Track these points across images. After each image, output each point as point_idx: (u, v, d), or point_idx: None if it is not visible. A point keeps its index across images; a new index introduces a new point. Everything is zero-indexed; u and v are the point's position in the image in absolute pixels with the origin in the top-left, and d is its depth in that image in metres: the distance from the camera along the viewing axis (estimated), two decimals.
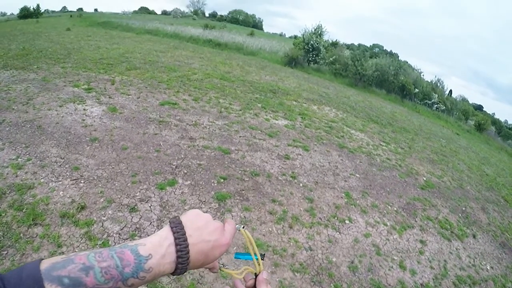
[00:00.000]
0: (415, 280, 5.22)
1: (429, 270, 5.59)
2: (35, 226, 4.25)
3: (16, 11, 49.41)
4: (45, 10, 57.63)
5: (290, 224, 5.41)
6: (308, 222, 5.60)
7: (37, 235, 4.11)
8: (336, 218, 5.99)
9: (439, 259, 5.96)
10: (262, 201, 5.84)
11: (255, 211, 5.51)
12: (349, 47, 52.73)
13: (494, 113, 56.21)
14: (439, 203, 8.20)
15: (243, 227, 0.88)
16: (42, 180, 5.19)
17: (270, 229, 5.17)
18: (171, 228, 0.69)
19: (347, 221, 6.00)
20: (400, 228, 6.40)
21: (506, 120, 55.76)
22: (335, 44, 32.70)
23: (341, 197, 6.78)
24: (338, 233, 5.60)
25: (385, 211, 6.82)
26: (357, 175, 8.06)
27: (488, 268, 6.38)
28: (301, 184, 6.82)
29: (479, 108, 53.96)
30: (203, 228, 0.71)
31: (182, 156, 6.79)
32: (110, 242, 4.16)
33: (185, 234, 0.67)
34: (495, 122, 44.03)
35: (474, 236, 7.27)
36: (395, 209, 7.10)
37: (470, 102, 43.97)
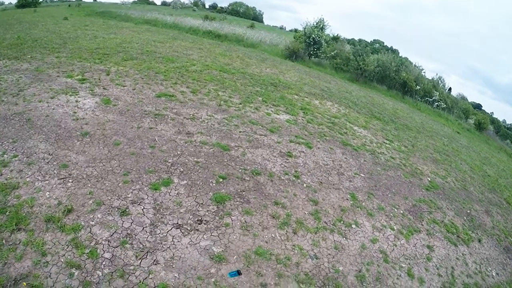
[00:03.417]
0: None
1: (437, 278, 5.32)
2: (18, 231, 3.90)
3: (14, 0, 48.36)
4: None
5: (294, 229, 5.06)
6: (313, 227, 5.26)
7: (20, 242, 3.76)
8: (342, 222, 5.65)
9: (446, 266, 5.70)
10: (264, 203, 5.48)
11: (257, 214, 5.15)
12: (350, 42, 52.04)
13: (492, 112, 55.90)
14: (445, 205, 7.92)
15: None
16: (27, 179, 4.82)
17: (273, 235, 4.82)
18: None
19: (353, 225, 5.67)
20: (407, 232, 6.11)
21: (504, 119, 55.45)
22: (336, 38, 32.10)
23: (347, 199, 6.44)
24: (344, 238, 5.27)
25: (391, 214, 6.50)
26: (362, 175, 7.72)
27: (494, 274, 6.16)
28: (304, 185, 6.47)
29: (478, 107, 53.65)
30: None
31: (179, 152, 6.40)
32: (98, 251, 3.79)
33: None
34: (494, 121, 43.83)
35: (479, 241, 7.04)
36: (402, 212, 6.79)
37: (469, 100, 43.68)
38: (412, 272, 5.15)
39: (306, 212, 5.61)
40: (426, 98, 26.99)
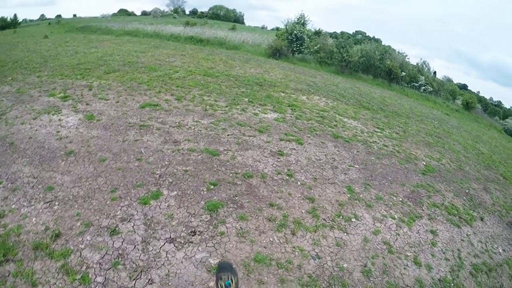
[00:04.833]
0: (432, 276, 4.83)
1: (445, 262, 5.21)
2: (6, 263, 3.70)
3: None
4: (23, 19, 55.62)
5: (293, 230, 4.91)
6: (311, 226, 5.12)
7: (9, 274, 3.57)
8: (341, 217, 5.52)
9: (452, 249, 5.60)
10: (258, 206, 5.31)
11: (252, 219, 4.99)
12: (332, 35, 52.17)
13: (479, 91, 56.60)
14: (443, 188, 7.86)
15: None
16: (13, 206, 4.61)
17: (271, 239, 4.66)
18: None
19: (353, 219, 5.54)
20: (408, 219, 6.00)
21: (491, 97, 56.20)
22: (318, 33, 32.19)
23: (343, 193, 6.31)
24: (345, 234, 5.13)
25: (390, 203, 6.40)
26: (356, 166, 7.62)
27: (501, 251, 6.09)
28: (299, 182, 6.32)
29: (463, 87, 54.26)
30: None
31: (166, 163, 6.21)
32: (90, 275, 3.60)
33: None
34: (481, 100, 44.39)
35: (481, 219, 6.99)
36: (401, 199, 6.69)
37: (455, 82, 44.14)
38: (418, 260, 5.04)
39: (303, 211, 5.46)
40: (413, 84, 27.20)
